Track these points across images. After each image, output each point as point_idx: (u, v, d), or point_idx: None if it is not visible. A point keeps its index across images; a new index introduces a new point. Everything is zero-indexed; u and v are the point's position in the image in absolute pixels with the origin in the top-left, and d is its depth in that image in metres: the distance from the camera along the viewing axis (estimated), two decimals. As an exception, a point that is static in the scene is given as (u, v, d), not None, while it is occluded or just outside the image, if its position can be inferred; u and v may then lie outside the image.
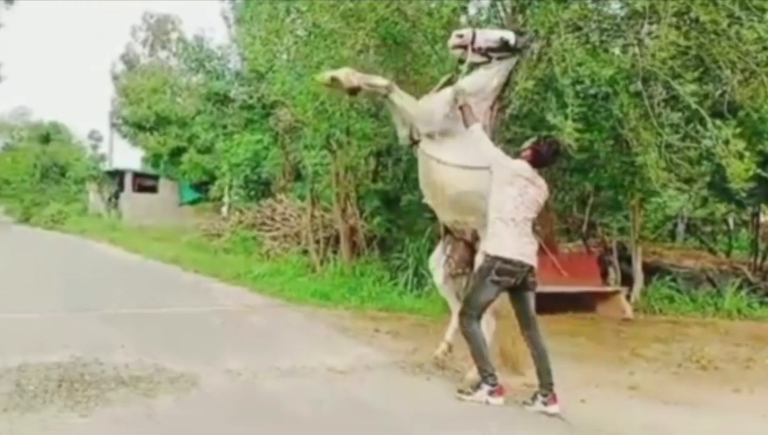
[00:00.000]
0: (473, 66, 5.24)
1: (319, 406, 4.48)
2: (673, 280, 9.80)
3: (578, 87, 5.95)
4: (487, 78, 5.23)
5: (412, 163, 5.98)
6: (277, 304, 8.97)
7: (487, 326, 4.94)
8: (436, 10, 6.51)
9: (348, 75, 5.29)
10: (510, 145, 5.98)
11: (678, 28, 5.57)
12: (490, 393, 4.59)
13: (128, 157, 37.48)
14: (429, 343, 6.26)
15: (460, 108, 4.98)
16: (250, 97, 17.12)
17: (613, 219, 11.19)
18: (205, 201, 25.17)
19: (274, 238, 13.58)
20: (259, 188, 18.41)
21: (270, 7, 8.02)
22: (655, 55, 5.51)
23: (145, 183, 29.81)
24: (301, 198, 14.19)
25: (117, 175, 30.60)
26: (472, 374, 4.87)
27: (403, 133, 5.57)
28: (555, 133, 6.16)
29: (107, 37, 67.85)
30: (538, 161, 4.83)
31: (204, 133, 23.17)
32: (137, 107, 28.81)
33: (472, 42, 5.09)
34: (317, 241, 11.55)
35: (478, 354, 4.67)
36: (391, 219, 11.14)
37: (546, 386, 4.62)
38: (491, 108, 5.48)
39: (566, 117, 5.74)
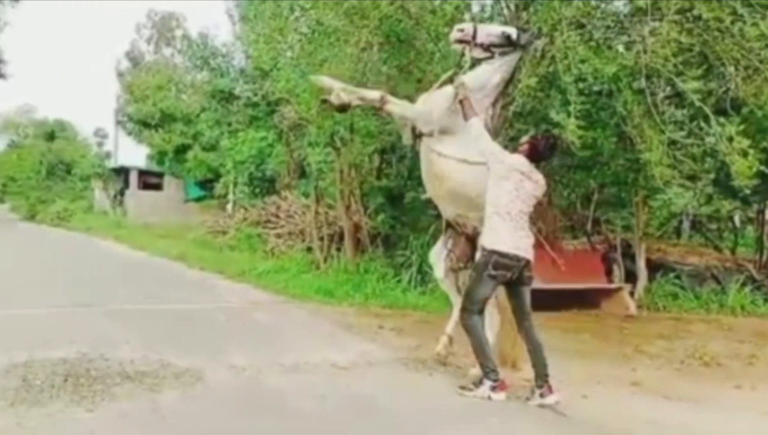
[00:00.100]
0: (475, 61, 5.25)
1: (322, 402, 4.51)
2: (677, 277, 9.79)
3: (581, 84, 5.95)
4: (489, 73, 5.23)
5: (416, 160, 6.00)
6: (281, 301, 9.02)
7: (490, 320, 4.96)
8: (440, 8, 6.53)
9: (338, 92, 5.25)
10: (513, 142, 6.00)
11: (681, 25, 5.58)
12: (492, 388, 4.62)
13: (133, 154, 37.68)
14: (432, 339, 6.26)
15: (460, 102, 5.00)
16: (255, 95, 17.16)
17: (618, 216, 11.19)
18: (210, 198, 25.23)
19: (278, 236, 13.62)
20: (264, 185, 18.46)
21: (274, 5, 8.06)
22: (658, 52, 5.51)
23: (150, 180, 29.92)
24: (306, 195, 14.22)
25: (122, 173, 30.72)
26: (476, 371, 4.89)
27: (406, 135, 5.59)
28: (558, 131, 6.20)
29: (112, 34, 67.98)
30: (534, 156, 4.85)
31: (209, 130, 23.26)
32: (142, 104, 28.88)
33: (474, 36, 5.10)
34: (321, 238, 11.59)
35: (480, 349, 4.70)
36: (395, 216, 11.16)
37: (542, 378, 4.65)
38: (493, 105, 5.50)
39: (569, 114, 5.76)
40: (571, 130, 5.73)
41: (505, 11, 7.00)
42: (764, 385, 5.37)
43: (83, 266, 12.97)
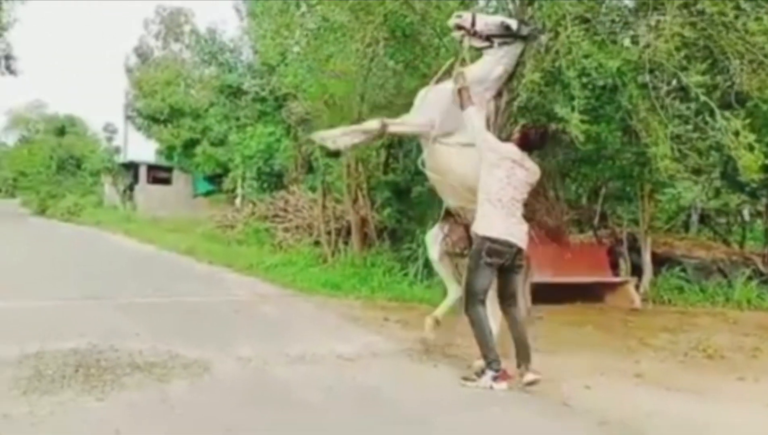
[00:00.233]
0: (475, 52, 5.29)
1: (328, 393, 4.58)
2: (683, 270, 9.79)
3: (585, 79, 6.00)
4: (490, 66, 5.25)
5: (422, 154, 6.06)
6: (288, 294, 9.10)
7: (493, 311, 5.03)
8: (444, 3, 6.58)
9: (334, 139, 5.29)
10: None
11: (684, 19, 5.60)
12: (494, 378, 4.68)
13: (142, 149, 37.79)
14: (437, 331, 6.35)
15: (459, 91, 5.05)
16: (263, 90, 17.25)
17: (625, 210, 11.19)
18: (219, 193, 25.37)
19: (286, 230, 13.71)
20: (272, 180, 18.56)
21: (281, 1, 8.12)
22: (660, 46, 5.54)
23: (159, 175, 30.05)
24: (313, 190, 14.30)
25: (132, 168, 30.89)
26: (480, 362, 4.95)
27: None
28: (562, 125, 6.24)
29: (121, 30, 68.30)
30: (526, 145, 4.93)
31: (217, 125, 23.39)
32: (151, 100, 29.01)
33: (473, 25, 5.14)
34: (329, 232, 11.65)
35: (483, 340, 4.77)
36: (402, 210, 11.21)
37: (525, 358, 4.77)
38: (495, 98, 5.52)
39: (573, 109, 5.81)
40: (575, 125, 5.79)
41: (510, 6, 7.05)
42: (767, 378, 5.40)
43: (93, 260, 13.13)
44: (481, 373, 4.77)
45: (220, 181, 24.59)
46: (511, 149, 4.89)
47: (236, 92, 21.08)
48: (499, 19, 5.37)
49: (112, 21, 72.18)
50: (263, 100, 18.64)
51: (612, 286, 9.06)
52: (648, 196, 9.69)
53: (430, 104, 5.30)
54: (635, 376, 5.32)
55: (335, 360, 5.42)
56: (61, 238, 19.27)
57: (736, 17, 5.56)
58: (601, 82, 6.30)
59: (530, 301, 7.80)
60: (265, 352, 5.51)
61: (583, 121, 5.80)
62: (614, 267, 9.47)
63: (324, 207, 12.13)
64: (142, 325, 6.46)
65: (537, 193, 10.50)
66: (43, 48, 69.88)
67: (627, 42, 6.67)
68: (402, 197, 11.29)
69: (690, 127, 6.18)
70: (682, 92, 6.28)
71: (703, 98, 5.86)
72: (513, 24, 5.28)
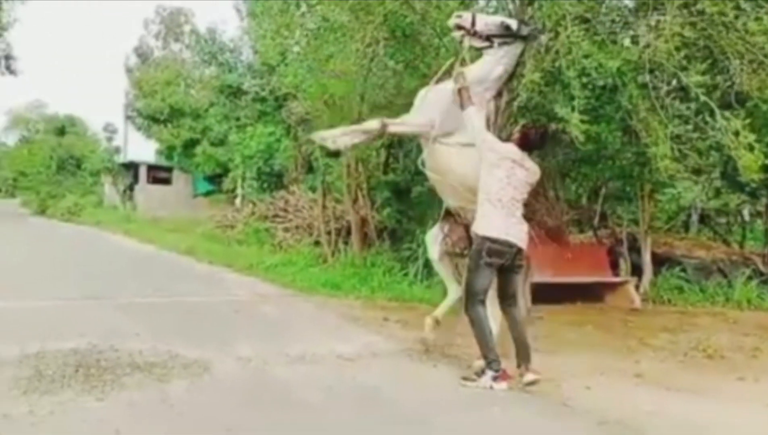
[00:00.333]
0: (475, 52, 5.30)
1: (327, 392, 4.58)
2: (683, 270, 9.79)
3: (585, 79, 6.00)
4: (491, 66, 5.26)
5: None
6: (288, 294, 9.11)
7: (492, 311, 5.03)
8: (444, 3, 6.58)
9: (334, 138, 5.29)
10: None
11: (684, 19, 5.60)
12: (494, 378, 4.68)
13: (142, 149, 37.80)
14: (437, 331, 6.36)
15: (459, 91, 5.05)
16: (263, 90, 17.25)
17: (625, 210, 11.19)
18: (219, 193, 25.38)
19: (286, 230, 13.72)
20: (272, 180, 18.57)
21: (281, 1, 8.12)
22: (660, 46, 5.54)
23: (159, 175, 30.07)
24: (313, 189, 14.31)
25: (132, 168, 30.90)
26: (480, 362, 4.95)
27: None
28: (562, 125, 6.24)
29: (121, 30, 68.33)
30: (526, 144, 4.94)
31: (217, 125, 23.40)
32: (151, 100, 29.02)
33: (472, 25, 5.15)
34: (329, 232, 11.65)
35: (483, 340, 4.77)
36: (402, 210, 11.21)
37: (524, 358, 4.78)
38: (495, 98, 5.53)
39: (573, 109, 5.82)
40: (575, 125, 5.80)
41: (510, 6, 7.06)
42: (767, 377, 5.40)
43: (93, 260, 13.14)
44: (481, 373, 4.78)
45: (220, 181, 24.61)
46: (511, 149, 4.90)
47: (236, 92, 21.09)
48: (499, 19, 5.38)
49: (113, 21, 72.25)
50: (263, 100, 18.65)
51: (612, 286, 9.06)
52: (648, 196, 9.69)
53: (430, 104, 5.30)
54: (635, 376, 5.33)
55: (335, 360, 5.42)
56: (61, 238, 19.28)
57: (736, 17, 5.56)
58: (601, 82, 6.30)
59: (530, 301, 7.81)
60: (265, 352, 5.51)
61: (583, 121, 5.80)
62: (614, 267, 9.47)
63: (324, 207, 12.13)
64: (142, 325, 6.46)
65: (537, 193, 10.52)
66: (43, 48, 70.00)
67: (627, 42, 6.68)
68: (402, 197, 11.29)
69: (690, 127, 6.19)
70: (682, 92, 6.29)
71: (703, 98, 5.86)
72: (513, 24, 5.28)
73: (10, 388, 4.36)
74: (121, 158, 34.75)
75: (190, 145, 27.07)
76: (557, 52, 6.03)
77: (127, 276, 10.46)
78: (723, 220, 14.34)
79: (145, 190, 29.38)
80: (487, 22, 5.24)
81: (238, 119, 21.15)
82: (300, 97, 10.99)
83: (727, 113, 5.89)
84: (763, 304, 9.02)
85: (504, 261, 4.79)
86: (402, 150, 11.33)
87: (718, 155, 7.46)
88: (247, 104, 20.45)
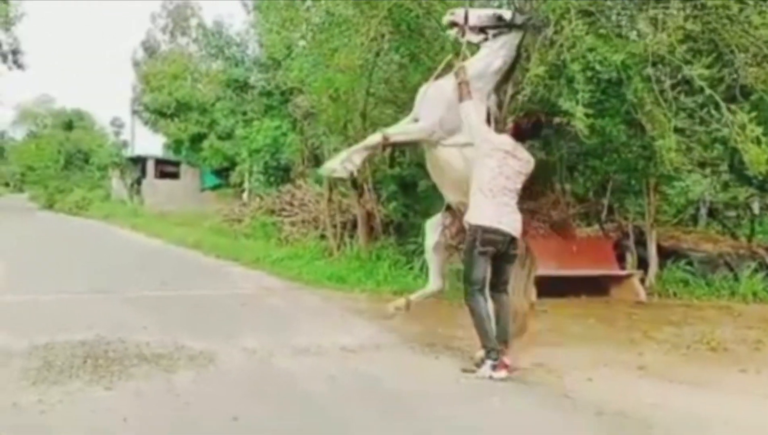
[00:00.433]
0: (473, 47, 5.33)
1: (330, 383, 4.64)
2: (689, 263, 9.76)
3: (589, 73, 6.01)
4: (489, 58, 5.27)
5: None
6: (294, 287, 9.17)
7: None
8: (449, -4, 6.59)
9: (344, 165, 5.35)
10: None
11: (688, 12, 5.60)
12: (493, 368, 4.73)
13: (150, 143, 38.08)
14: (440, 324, 6.41)
15: (459, 85, 5.10)
16: (269, 84, 17.28)
17: (632, 203, 11.17)
18: (226, 187, 25.46)
19: (292, 224, 13.78)
20: (279, 174, 18.61)
21: (286, -4, 8.14)
22: (664, 40, 5.55)
23: (166, 169, 30.21)
24: (319, 183, 14.34)
25: (139, 162, 31.04)
26: (481, 353, 4.99)
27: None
28: (567, 118, 6.26)
29: (128, 24, 68.46)
30: (519, 135, 5.01)
31: (224, 119, 23.46)
32: (158, 94, 29.12)
33: (465, 20, 5.18)
34: (335, 226, 11.70)
35: (481, 329, 4.83)
36: (408, 204, 11.24)
37: (502, 340, 4.86)
38: (495, 91, 5.54)
39: (577, 102, 5.83)
40: (579, 118, 5.82)
41: (516, 0, 7.06)
42: (769, 369, 5.42)
43: (101, 254, 13.25)
44: (481, 363, 4.82)
45: (228, 175, 24.67)
46: (505, 140, 4.97)
47: (243, 86, 21.15)
48: (491, 10, 5.42)
49: (120, 15, 72.39)
50: (269, 94, 18.69)
51: (617, 280, 9.05)
52: (653, 190, 9.66)
53: (431, 100, 5.34)
54: (638, 368, 5.34)
55: (339, 352, 5.48)
56: (69, 233, 19.40)
57: (740, 10, 5.57)
58: (605, 76, 6.30)
59: (535, 295, 7.82)
60: (270, 344, 5.58)
61: (587, 115, 5.82)
62: (621, 260, 9.47)
63: (330, 201, 12.16)
64: (149, 318, 6.54)
65: (544, 186, 10.56)
66: (51, 42, 70.16)
67: (633, 35, 6.68)
68: (408, 191, 11.32)
69: (695, 120, 6.20)
70: (687, 85, 6.29)
71: (708, 91, 5.87)
72: (506, 14, 5.32)
73: (19, 378, 4.46)
74: (128, 152, 34.93)
75: (198, 139, 27.16)
76: (561, 45, 6.04)
77: (135, 270, 10.55)
78: (732, 213, 14.27)
79: (152, 184, 29.52)
80: (480, 15, 5.28)
81: (244, 113, 21.20)
82: (306, 92, 11.03)
83: (732, 106, 5.89)
84: (769, 297, 8.99)
85: (497, 249, 4.84)
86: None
87: (724, 148, 7.46)
88: (254, 98, 20.51)
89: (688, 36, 5.76)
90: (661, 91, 6.09)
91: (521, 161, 4.95)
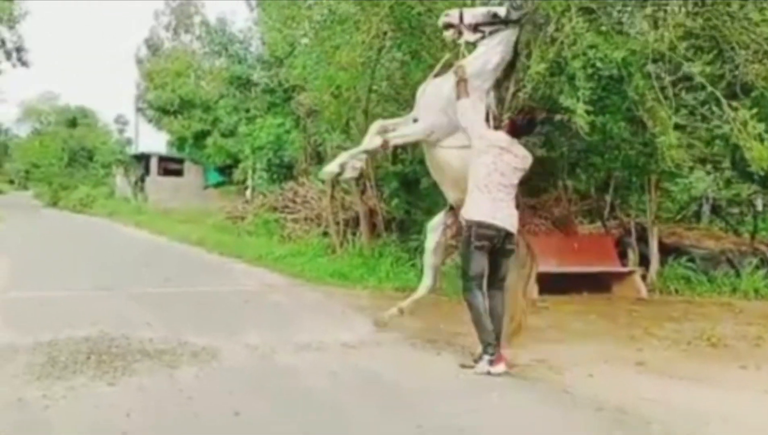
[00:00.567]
0: (470, 46, 5.36)
1: (332, 379, 4.68)
2: (691, 260, 9.77)
3: (591, 70, 6.02)
4: (487, 56, 5.31)
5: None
6: (296, 284, 9.22)
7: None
8: (449, -6, 6.61)
9: (351, 166, 5.43)
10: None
11: (689, 9, 5.61)
12: (490, 362, 4.76)
13: (154, 140, 38.12)
14: (442, 320, 6.44)
15: (458, 83, 5.13)
16: (272, 81, 17.29)
17: (635, 200, 11.17)
18: (230, 184, 25.51)
19: (295, 221, 13.81)
20: (282, 171, 18.64)
21: (288, -6, 8.17)
22: (665, 36, 5.55)
23: (170, 166, 30.26)
24: (322, 180, 14.36)
25: (143, 159, 31.10)
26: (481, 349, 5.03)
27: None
28: (568, 115, 6.27)
29: (132, 21, 68.52)
30: (515, 131, 5.05)
31: (227, 116, 23.48)
32: (161, 91, 29.17)
33: (461, 20, 5.21)
34: (337, 223, 11.72)
35: (479, 323, 4.87)
36: (410, 201, 11.24)
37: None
38: (496, 89, 5.56)
39: (578, 99, 5.85)
40: (579, 115, 5.83)
41: (517, -2, 7.05)
42: (768, 365, 5.44)
43: (105, 251, 13.31)
44: (479, 358, 4.86)
45: (231, 173, 24.71)
46: (500, 136, 5.02)
47: (246, 84, 21.17)
48: (485, 8, 5.44)
49: (123, 12, 72.52)
50: (272, 91, 18.71)
51: (619, 276, 9.07)
52: (655, 186, 9.68)
53: (428, 101, 5.38)
54: (638, 364, 5.36)
55: (340, 348, 5.52)
56: (73, 230, 19.49)
57: (741, 7, 5.57)
58: (606, 73, 6.31)
59: (537, 292, 7.84)
60: (272, 340, 5.62)
61: (588, 112, 5.83)
62: (622, 257, 9.49)
63: (333, 198, 12.19)
64: (152, 315, 6.58)
65: (546, 183, 10.57)
66: (55, 40, 70.20)
67: (634, 31, 6.67)
68: (410, 188, 11.32)
69: (697, 117, 6.20)
70: (688, 82, 6.30)
71: (709, 88, 5.88)
72: (501, 11, 5.34)
73: (24, 373, 4.50)
74: (132, 150, 34.99)
75: (201, 136, 27.21)
76: (562, 43, 6.04)
77: (139, 267, 10.60)
78: (735, 210, 14.24)
79: (156, 181, 29.58)
80: (475, 13, 5.32)
81: (248, 111, 21.23)
82: (308, 89, 11.06)
83: (733, 103, 5.89)
84: (770, 293, 8.99)
85: (493, 244, 4.89)
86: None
87: (725, 145, 7.46)
88: (257, 96, 20.53)
89: (688, 33, 5.76)
90: (662, 88, 6.09)
91: (517, 157, 4.99)
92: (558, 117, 7.14)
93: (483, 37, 5.29)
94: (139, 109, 33.98)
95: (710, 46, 6.15)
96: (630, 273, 9.02)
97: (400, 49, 8.20)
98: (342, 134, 11.48)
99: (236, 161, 23.52)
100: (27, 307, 7.06)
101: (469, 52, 5.31)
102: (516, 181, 5.03)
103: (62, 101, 47.26)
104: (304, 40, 9.64)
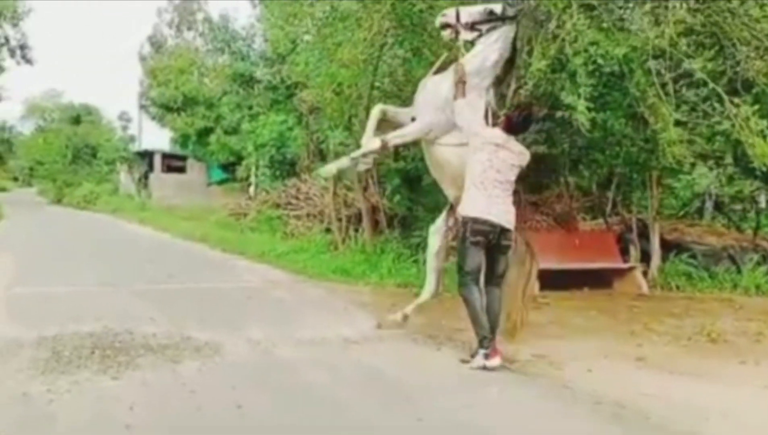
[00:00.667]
0: (469, 44, 5.39)
1: (333, 373, 4.72)
2: (692, 256, 9.78)
3: (592, 66, 6.03)
4: (485, 53, 5.33)
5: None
6: (299, 280, 9.26)
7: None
8: (452, -9, 6.62)
9: (360, 164, 5.60)
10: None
11: (690, 6, 5.62)
12: (486, 356, 4.80)
13: (157, 138, 38.09)
14: (444, 316, 6.46)
15: (457, 83, 5.17)
16: (274, 78, 17.30)
17: (637, 196, 11.17)
18: (233, 181, 25.53)
19: (298, 217, 13.85)
20: (285, 168, 18.65)
21: (290, -9, 8.19)
22: (665, 33, 5.57)
23: (173, 163, 30.29)
24: (324, 178, 14.37)
25: (146, 156, 31.12)
26: (480, 344, 5.06)
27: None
28: (569, 112, 6.29)
29: (135, 18, 68.57)
30: (511, 128, 5.07)
31: (230, 113, 23.48)
32: (165, 88, 29.15)
33: (458, 20, 5.23)
34: (339, 220, 11.76)
35: (475, 318, 4.92)
36: (412, 197, 11.28)
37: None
38: (497, 86, 5.58)
39: (579, 96, 5.86)
40: (580, 112, 5.85)
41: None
42: (768, 361, 5.46)
43: (110, 247, 13.37)
44: (475, 353, 4.90)
45: (234, 170, 24.74)
46: (496, 134, 5.03)
47: (249, 81, 21.17)
48: (481, 6, 5.46)
49: (127, 10, 72.57)
50: (275, 88, 18.71)
51: (620, 272, 9.08)
52: (656, 183, 9.68)
53: (426, 99, 5.41)
54: (638, 359, 5.39)
55: (341, 343, 5.57)
56: (77, 227, 19.55)
57: (741, 3, 5.58)
58: (607, 69, 6.32)
59: (537, 287, 7.86)
60: (274, 335, 5.67)
61: (589, 109, 5.85)
62: (624, 253, 9.49)
63: (335, 194, 12.23)
64: (156, 310, 6.63)
65: (548, 179, 10.59)
66: (58, 37, 70.40)
67: (635, 28, 6.68)
68: (412, 185, 11.35)
69: (698, 113, 6.21)
70: (689, 79, 6.31)
71: (711, 85, 5.89)
72: (497, 8, 5.36)
73: (29, 368, 4.56)
74: (135, 147, 35.01)
75: (204, 133, 27.21)
76: (564, 39, 6.06)
77: (142, 263, 10.66)
78: (738, 206, 14.22)
79: (159, 178, 29.61)
80: (471, 12, 5.35)
81: (250, 108, 21.24)
82: (310, 86, 11.08)
83: (735, 100, 5.90)
84: (771, 289, 8.99)
85: (488, 240, 4.93)
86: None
87: (726, 141, 7.47)
88: (260, 93, 20.54)
89: (689, 29, 5.78)
90: (663, 85, 6.10)
91: (513, 153, 5.02)
92: (559, 114, 7.16)
93: (480, 35, 5.32)
94: (142, 106, 34.00)
95: (711, 43, 6.16)
96: (631, 269, 9.03)
97: (402, 46, 8.22)
98: (344, 131, 11.50)
99: (239, 158, 23.54)
100: (31, 302, 7.12)
101: (468, 50, 5.33)
102: (513, 177, 5.06)
103: (66, 98, 47.25)
104: (306, 37, 9.66)
